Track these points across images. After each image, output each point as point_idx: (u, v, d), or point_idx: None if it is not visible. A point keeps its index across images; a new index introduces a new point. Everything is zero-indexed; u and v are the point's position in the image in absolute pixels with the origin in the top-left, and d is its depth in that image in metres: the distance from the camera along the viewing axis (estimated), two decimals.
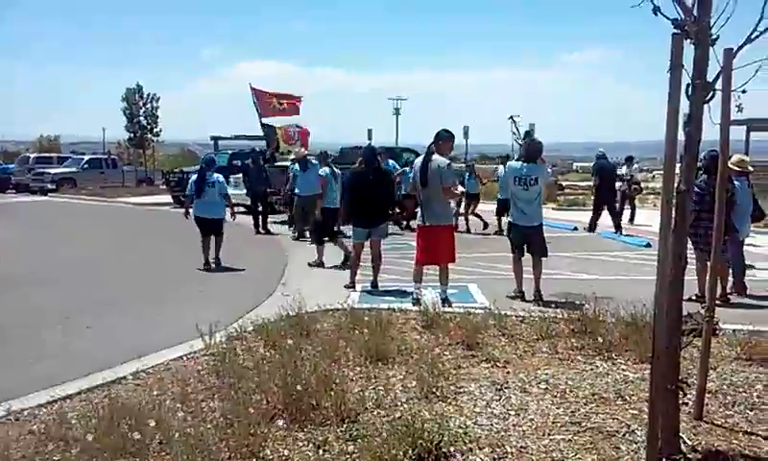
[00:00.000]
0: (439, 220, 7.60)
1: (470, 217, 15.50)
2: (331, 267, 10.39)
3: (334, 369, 4.79)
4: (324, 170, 10.96)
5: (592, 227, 15.08)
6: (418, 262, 7.78)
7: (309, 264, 10.61)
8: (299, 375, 4.36)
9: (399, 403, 4.35)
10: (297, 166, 13.52)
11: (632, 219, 16.51)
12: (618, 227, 14.69)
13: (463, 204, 15.01)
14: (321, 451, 3.67)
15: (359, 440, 3.73)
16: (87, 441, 3.64)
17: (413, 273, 7.82)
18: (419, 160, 7.76)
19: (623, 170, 16.56)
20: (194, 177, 10.95)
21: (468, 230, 15.06)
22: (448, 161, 7.66)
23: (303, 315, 6.21)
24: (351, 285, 8.62)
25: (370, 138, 26.26)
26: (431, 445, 3.57)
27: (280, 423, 4.01)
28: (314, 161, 12.58)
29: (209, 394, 4.57)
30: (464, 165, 16.82)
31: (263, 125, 18.96)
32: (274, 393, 4.29)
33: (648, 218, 15.99)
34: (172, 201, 23.47)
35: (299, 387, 4.17)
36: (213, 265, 10.57)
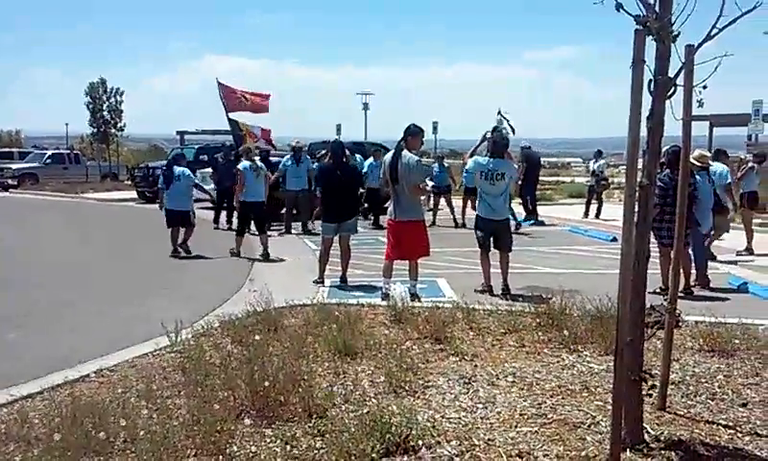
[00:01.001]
0: (409, 215, 7.61)
1: (440, 211, 15.54)
2: (270, 259, 10.33)
3: (302, 364, 4.76)
4: (244, 164, 11.12)
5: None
6: (388, 257, 7.78)
7: (231, 252, 11.08)
8: (266, 371, 4.33)
9: (368, 398, 4.35)
10: (290, 158, 14.20)
11: (598, 214, 16.71)
12: (531, 213, 15.45)
13: (431, 199, 15.01)
14: (288, 447, 3.65)
15: (327, 435, 3.72)
16: (50, 440, 3.57)
17: (382, 268, 7.83)
18: (388, 156, 7.75)
19: (592, 165, 16.78)
20: (162, 171, 11.46)
21: (434, 223, 15.02)
22: (418, 158, 7.68)
23: (271, 311, 6.18)
24: (320, 281, 8.59)
25: (338, 134, 26.17)
26: (399, 439, 3.59)
27: (247, 420, 3.99)
28: (306, 156, 13.43)
29: (175, 391, 4.52)
30: (433, 159, 16.88)
31: (230, 120, 18.79)
32: (241, 389, 4.25)
33: (615, 212, 16.22)
34: (137, 196, 23.15)
35: (266, 383, 4.14)
36: (182, 252, 11.06)
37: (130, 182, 25.65)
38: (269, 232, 11.66)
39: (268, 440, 3.76)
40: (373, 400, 4.31)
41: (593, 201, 16.86)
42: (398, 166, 7.47)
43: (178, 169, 11.29)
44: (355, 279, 8.80)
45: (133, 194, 23.66)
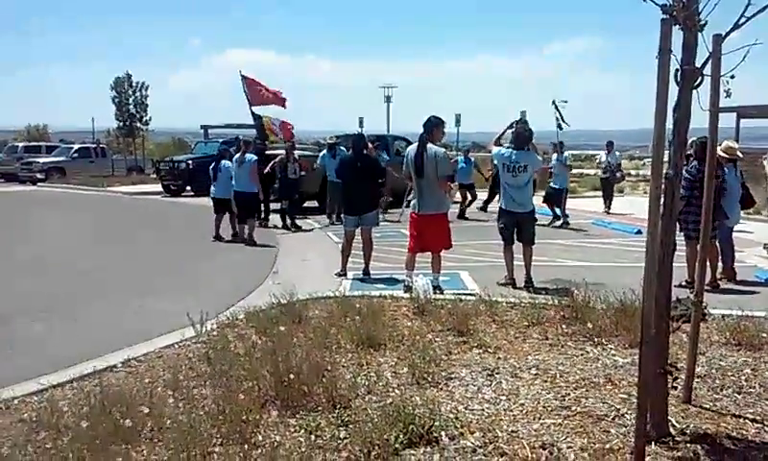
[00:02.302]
0: (433, 208, 7.61)
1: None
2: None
3: (326, 356, 4.80)
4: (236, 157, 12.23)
5: (485, 208, 15.62)
6: (410, 250, 7.79)
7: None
8: (290, 361, 4.38)
9: (391, 389, 4.37)
10: (326, 153, 14.76)
11: (609, 207, 16.40)
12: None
13: (458, 193, 14.84)
14: (312, 437, 3.69)
15: (350, 425, 3.75)
16: (79, 428, 3.64)
17: (405, 260, 7.83)
18: (412, 149, 7.73)
19: (603, 157, 16.52)
20: (212, 164, 12.83)
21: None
22: (444, 150, 7.68)
23: (295, 303, 6.22)
24: (343, 273, 8.63)
25: (361, 127, 26.19)
26: (422, 429, 3.61)
27: (272, 410, 4.03)
28: (341, 149, 13.96)
29: (201, 381, 4.58)
30: (455, 152, 16.74)
31: (253, 114, 18.89)
32: (265, 380, 4.29)
33: (630, 205, 16.01)
34: (162, 189, 23.38)
35: (290, 374, 4.18)
36: (225, 238, 12.27)
37: (155, 176, 25.89)
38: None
39: (292, 429, 3.80)
40: (396, 391, 4.33)
41: (610, 194, 16.57)
42: (424, 159, 7.45)
43: (224, 163, 12.49)
44: (378, 271, 8.82)
45: (158, 187, 23.90)
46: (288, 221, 13.86)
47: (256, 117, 18.84)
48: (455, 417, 3.90)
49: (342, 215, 9.37)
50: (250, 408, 3.85)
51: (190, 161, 22.54)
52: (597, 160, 16.87)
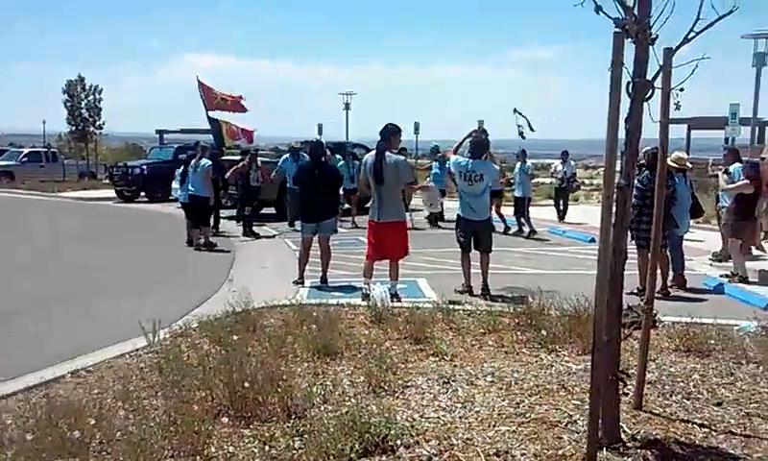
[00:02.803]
0: (392, 216, 7.61)
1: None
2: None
3: (281, 365, 4.75)
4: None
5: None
6: (368, 258, 7.78)
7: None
8: (244, 371, 4.31)
9: (347, 398, 4.35)
10: (289, 157, 14.60)
11: (563, 215, 16.54)
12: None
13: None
14: (266, 447, 3.64)
15: (306, 435, 3.71)
16: (24, 441, 3.52)
17: (363, 268, 7.82)
18: (370, 157, 7.72)
19: (559, 166, 16.70)
20: (181, 169, 12.85)
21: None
22: (404, 158, 7.72)
23: (250, 311, 6.15)
24: (300, 281, 8.57)
25: (320, 133, 26.09)
26: (378, 438, 3.59)
27: (225, 420, 3.96)
28: (304, 154, 13.65)
29: (152, 392, 4.48)
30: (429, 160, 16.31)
31: (210, 118, 18.70)
32: (218, 390, 4.22)
33: (585, 214, 16.25)
34: (115, 195, 22.92)
35: (245, 383, 4.12)
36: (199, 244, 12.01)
37: (108, 181, 25.34)
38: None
39: (246, 440, 3.75)
40: (353, 399, 4.30)
41: (565, 202, 16.72)
42: (383, 168, 7.45)
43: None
44: (336, 279, 8.78)
45: (112, 193, 23.41)
46: (246, 228, 13.72)
47: (213, 122, 18.64)
48: (411, 425, 3.90)
49: (299, 222, 9.30)
50: (202, 419, 3.78)
51: (145, 167, 22.18)
52: (552, 170, 17.01)
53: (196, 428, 3.67)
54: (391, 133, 7.62)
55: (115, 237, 14.21)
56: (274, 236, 13.70)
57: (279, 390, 4.19)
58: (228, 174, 13.89)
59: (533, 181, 16.06)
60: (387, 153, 7.52)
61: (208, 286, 8.52)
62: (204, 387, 4.29)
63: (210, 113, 18.76)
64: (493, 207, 14.47)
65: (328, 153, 10.61)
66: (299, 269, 8.71)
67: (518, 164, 14.55)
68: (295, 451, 3.58)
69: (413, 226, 14.73)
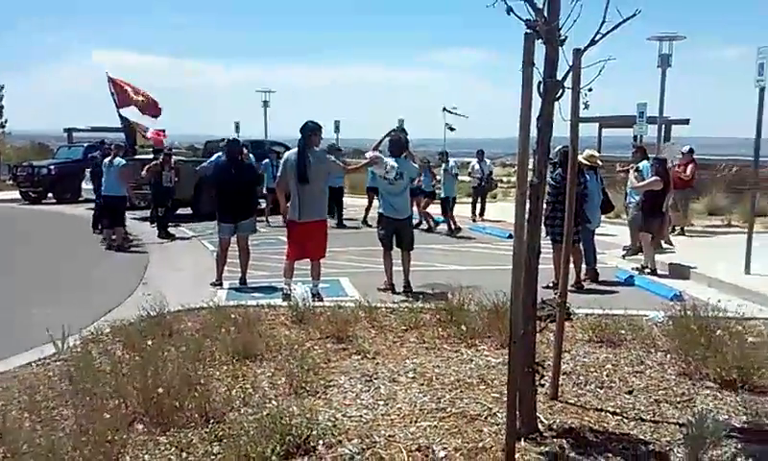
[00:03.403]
0: (315, 215, 7.55)
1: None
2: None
3: (199, 369, 4.62)
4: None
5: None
6: (288, 258, 7.68)
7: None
8: (160, 376, 4.17)
9: (268, 400, 4.28)
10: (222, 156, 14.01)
11: (482, 213, 16.68)
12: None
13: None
14: (184, 454, 3.54)
15: (225, 440, 3.63)
16: None
17: (283, 268, 7.72)
18: (291, 155, 7.60)
19: (476, 166, 16.92)
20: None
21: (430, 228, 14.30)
22: (325, 149, 7.71)
23: (166, 315, 5.95)
24: (218, 282, 8.38)
25: (237, 131, 25.55)
26: (299, 440, 3.56)
27: (140, 427, 3.83)
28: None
29: (62, 401, 4.27)
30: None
31: (121, 116, 18.06)
32: (133, 397, 4.08)
33: (502, 211, 16.52)
34: (20, 197, 21.78)
35: (160, 389, 3.98)
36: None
37: (12, 182, 24.01)
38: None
39: (162, 448, 3.63)
40: (273, 402, 4.24)
41: (482, 200, 16.73)
42: (308, 166, 7.37)
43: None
44: (255, 280, 8.65)
45: (16, 194, 22.21)
46: (160, 230, 13.31)
47: (124, 120, 18.03)
48: (333, 425, 3.88)
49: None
50: (116, 427, 3.63)
51: (52, 167, 21.17)
52: (470, 169, 17.21)
53: (109, 437, 3.53)
54: (311, 130, 7.55)
55: (22, 240, 13.49)
56: (190, 238, 13.34)
57: (197, 395, 4.08)
58: (143, 172, 13.45)
59: (459, 178, 16.01)
60: (312, 149, 7.47)
61: (122, 290, 8.22)
62: (117, 394, 4.13)
63: (122, 111, 18.14)
64: (420, 206, 14.54)
65: (245, 151, 10.42)
66: (216, 270, 8.52)
67: (443, 165, 14.59)
68: (214, 457, 3.51)
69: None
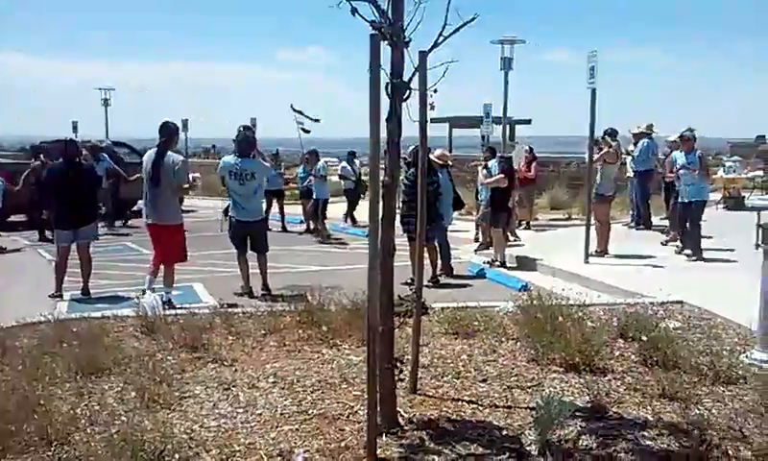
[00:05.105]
0: (163, 219, 7.24)
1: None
2: None
3: (37, 388, 4.26)
4: None
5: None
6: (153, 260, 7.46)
7: None
8: None
9: (116, 417, 4.03)
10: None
11: (352, 216, 16.69)
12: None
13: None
14: None
15: None
16: None
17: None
18: (149, 157, 7.27)
19: (347, 166, 16.85)
20: None
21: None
22: (183, 158, 7.42)
23: None
24: (58, 294, 7.75)
25: (75, 131, 23.79)
26: (153, 455, 3.39)
27: None
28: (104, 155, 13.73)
29: None
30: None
31: None
32: None
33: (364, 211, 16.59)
34: None
35: None
36: None
37: None
38: None
39: None
40: (123, 417, 4.00)
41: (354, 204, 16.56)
42: (161, 168, 7.07)
43: None
44: (100, 290, 8.11)
45: None
46: None
47: None
48: (189, 437, 3.75)
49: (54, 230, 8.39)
50: None
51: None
52: (340, 170, 16.77)
53: None
54: (170, 131, 7.29)
55: None
56: (22, 248, 12.24)
57: (36, 416, 3.77)
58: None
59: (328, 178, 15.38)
60: (168, 153, 7.18)
61: None
62: None
63: None
64: (276, 206, 14.22)
65: (84, 152, 9.78)
66: (55, 281, 7.87)
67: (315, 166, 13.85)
68: None
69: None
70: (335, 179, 17.03)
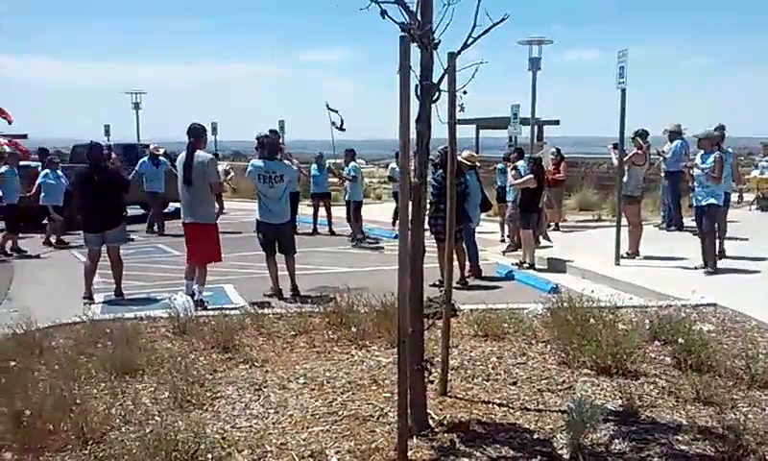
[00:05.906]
0: (197, 218, 7.36)
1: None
2: None
3: (74, 388, 4.34)
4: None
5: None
6: (187, 261, 7.58)
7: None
8: (30, 398, 3.88)
9: (151, 417, 4.09)
10: (147, 160, 14.13)
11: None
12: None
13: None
14: None
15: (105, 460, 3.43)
16: None
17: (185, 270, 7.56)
18: (181, 159, 7.41)
19: (397, 169, 16.76)
20: None
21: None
22: (211, 156, 7.51)
23: (34, 332, 5.55)
24: (89, 297, 7.87)
25: (107, 135, 24.06)
26: (187, 455, 3.42)
27: (9, 455, 3.54)
28: (163, 159, 14.13)
29: None
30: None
31: None
32: None
33: (382, 210, 16.46)
34: None
35: (27, 411, 3.70)
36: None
37: None
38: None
39: None
40: (157, 417, 4.06)
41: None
42: (192, 168, 7.20)
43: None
44: (132, 291, 8.25)
45: None
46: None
47: None
48: (222, 437, 3.78)
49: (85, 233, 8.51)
50: None
51: None
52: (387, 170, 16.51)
53: None
54: (198, 132, 7.40)
55: None
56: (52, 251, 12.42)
57: (73, 415, 3.84)
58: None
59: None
60: (198, 152, 7.30)
61: None
62: None
63: None
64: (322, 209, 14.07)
65: (114, 156, 9.92)
66: (85, 284, 7.97)
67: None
68: None
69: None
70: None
